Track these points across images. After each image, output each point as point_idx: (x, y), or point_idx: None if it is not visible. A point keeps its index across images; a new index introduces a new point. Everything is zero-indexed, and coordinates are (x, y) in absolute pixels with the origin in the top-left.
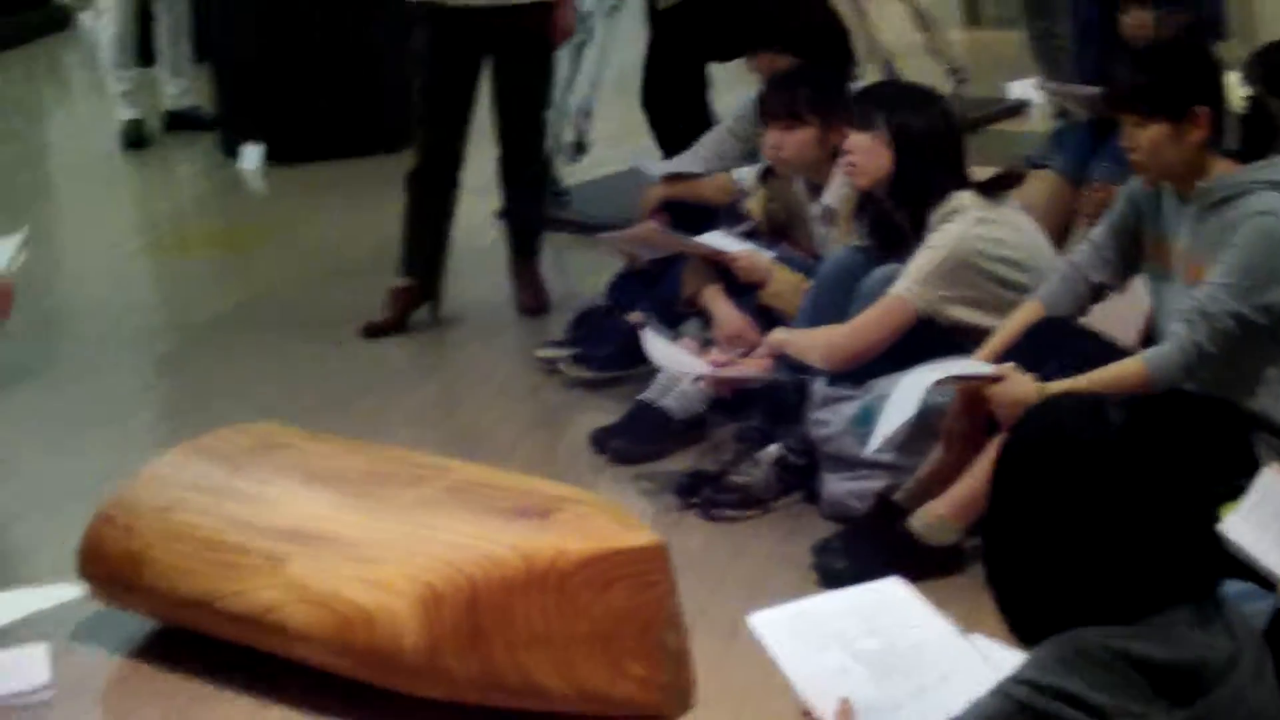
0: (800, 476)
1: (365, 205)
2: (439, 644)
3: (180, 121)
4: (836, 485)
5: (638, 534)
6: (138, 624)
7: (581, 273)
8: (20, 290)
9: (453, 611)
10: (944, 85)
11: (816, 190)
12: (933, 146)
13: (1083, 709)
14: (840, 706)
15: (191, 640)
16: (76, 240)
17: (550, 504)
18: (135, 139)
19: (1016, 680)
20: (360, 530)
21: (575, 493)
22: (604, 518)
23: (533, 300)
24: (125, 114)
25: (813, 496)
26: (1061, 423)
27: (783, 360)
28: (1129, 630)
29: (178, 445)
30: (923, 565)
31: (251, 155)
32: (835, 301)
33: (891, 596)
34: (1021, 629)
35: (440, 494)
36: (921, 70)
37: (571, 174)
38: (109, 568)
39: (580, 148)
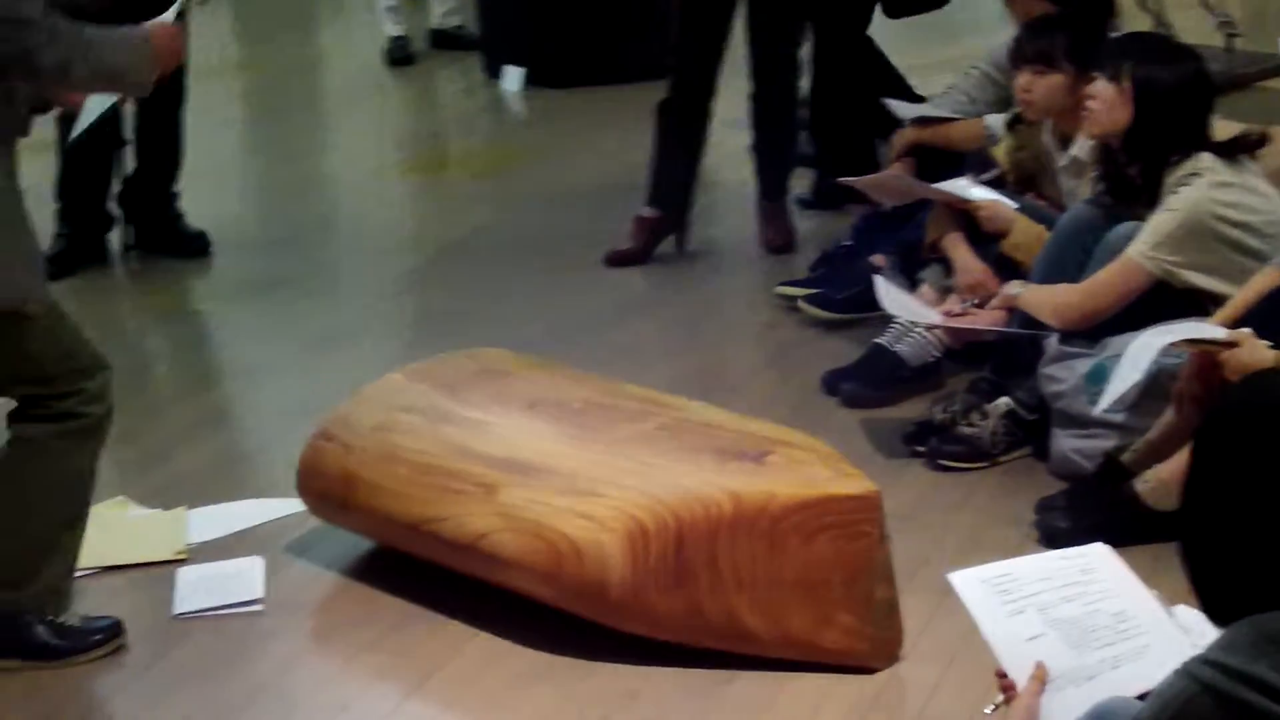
0: (1030, 431)
1: (621, 133)
2: (644, 580)
3: (445, 40)
4: (1065, 442)
5: (852, 482)
6: (352, 542)
7: (831, 212)
8: (280, 199)
9: (659, 549)
10: (1216, 39)
11: (1065, 141)
12: (1175, 104)
13: (1269, 694)
14: (1034, 672)
15: (403, 562)
16: (337, 154)
17: (766, 446)
18: (399, 56)
19: (1202, 661)
20: (574, 462)
21: (794, 436)
22: (819, 464)
23: (778, 238)
24: (390, 30)
25: (1041, 452)
26: (1273, 394)
27: (1017, 313)
28: None
29: (404, 367)
30: (1144, 529)
31: (513, 77)
32: (1071, 256)
33: (1096, 563)
34: (1213, 606)
35: (657, 430)
36: (1195, 23)
37: None
38: (326, 486)
39: None
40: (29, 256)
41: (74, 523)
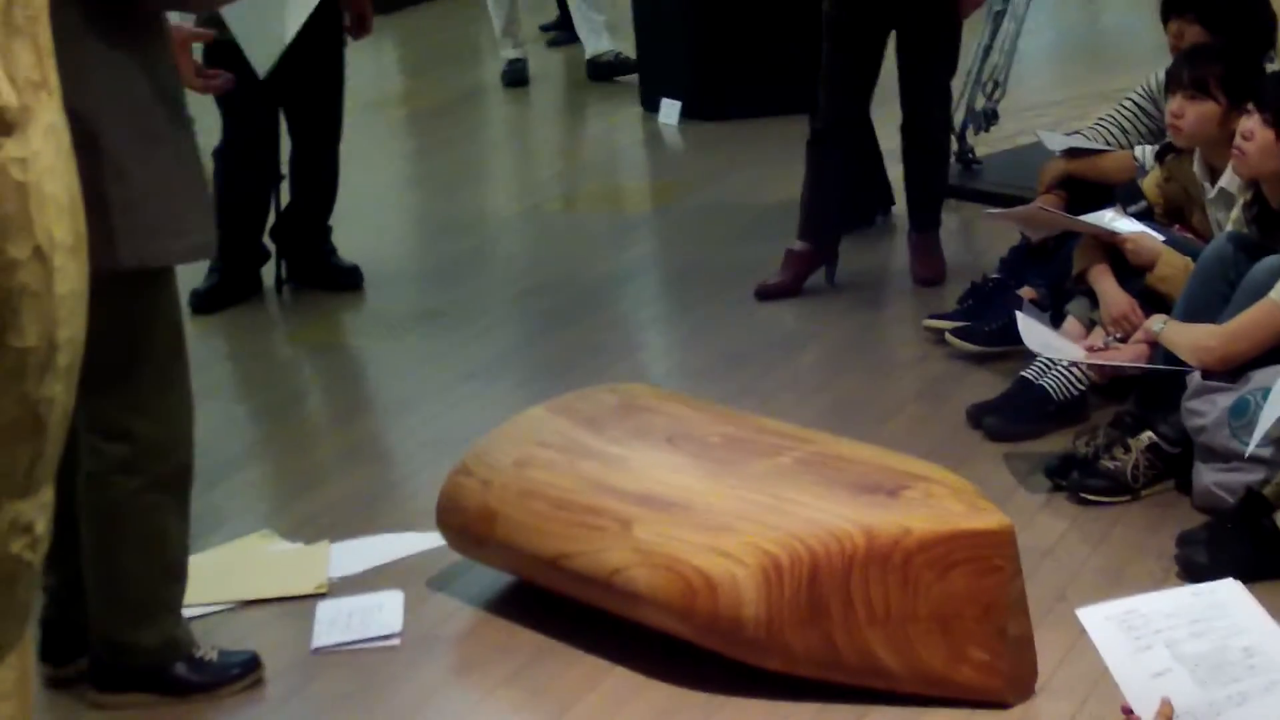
0: (1173, 465)
1: (775, 165)
2: (778, 616)
3: (601, 71)
4: (1208, 476)
5: (986, 516)
6: (491, 577)
7: (984, 245)
8: (434, 233)
9: (793, 584)
10: None
11: (1214, 173)
12: None
13: None
14: (1160, 708)
15: (541, 597)
16: (494, 188)
17: (901, 481)
18: (514, 79)
19: None
20: (710, 497)
21: (930, 470)
22: (953, 498)
23: (928, 270)
24: (508, 53)
25: (1184, 486)
26: None
27: (1159, 348)
28: None
29: (545, 401)
30: None
31: (669, 110)
32: (1214, 290)
33: (1226, 598)
34: None
35: (794, 465)
36: None
37: (984, 144)
38: (464, 520)
39: (991, 117)
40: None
41: (173, 573)
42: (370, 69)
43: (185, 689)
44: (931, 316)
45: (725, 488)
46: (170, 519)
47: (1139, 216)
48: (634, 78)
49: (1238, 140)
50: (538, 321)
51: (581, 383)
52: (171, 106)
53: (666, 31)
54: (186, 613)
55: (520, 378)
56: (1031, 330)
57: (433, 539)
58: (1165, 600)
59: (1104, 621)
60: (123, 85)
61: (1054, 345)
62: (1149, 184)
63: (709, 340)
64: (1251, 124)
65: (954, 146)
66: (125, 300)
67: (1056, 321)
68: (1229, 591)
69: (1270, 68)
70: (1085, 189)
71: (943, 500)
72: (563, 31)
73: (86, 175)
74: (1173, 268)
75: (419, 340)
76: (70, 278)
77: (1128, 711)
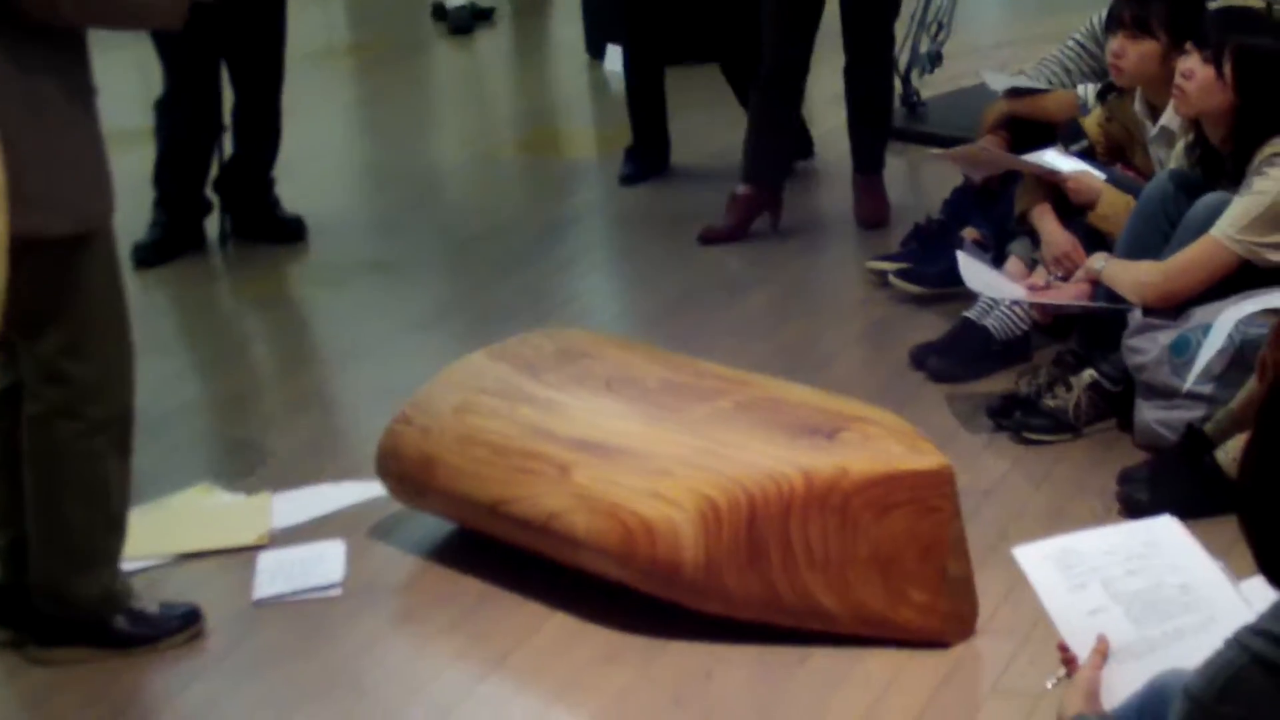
0: (1114, 403)
1: (719, 110)
2: (716, 559)
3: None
4: (1149, 414)
5: (925, 457)
6: (432, 525)
7: (928, 186)
8: (380, 182)
9: (731, 528)
10: None
11: (1155, 111)
12: (1275, 85)
13: None
14: (1096, 645)
15: (482, 543)
16: (439, 137)
17: (840, 423)
18: (459, 25)
19: (1253, 631)
20: (648, 442)
21: (869, 411)
22: (892, 439)
23: (872, 213)
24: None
25: (1126, 424)
26: None
27: (1100, 287)
28: None
29: (485, 348)
30: (1226, 500)
31: (615, 56)
32: (1155, 228)
33: (1162, 536)
34: (1273, 571)
35: (733, 409)
36: None
37: (928, 86)
38: (405, 468)
39: (935, 59)
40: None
41: (113, 523)
42: (314, 18)
43: (125, 642)
44: (875, 259)
45: (664, 432)
46: (111, 467)
47: (1081, 155)
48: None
49: (1178, 79)
50: (482, 269)
51: (524, 329)
52: (67, 77)
53: None
54: (127, 566)
55: (464, 325)
56: (973, 271)
57: (374, 488)
58: (1101, 538)
59: (1040, 560)
60: (12, 54)
61: (996, 285)
62: (1091, 123)
63: (653, 285)
64: (1192, 63)
65: (898, 89)
66: (48, 256)
67: (999, 262)
68: (1166, 529)
69: (1211, 6)
70: (1028, 129)
71: (881, 441)
72: None
73: None
74: (1114, 206)
75: (363, 290)
76: None
77: (1064, 649)
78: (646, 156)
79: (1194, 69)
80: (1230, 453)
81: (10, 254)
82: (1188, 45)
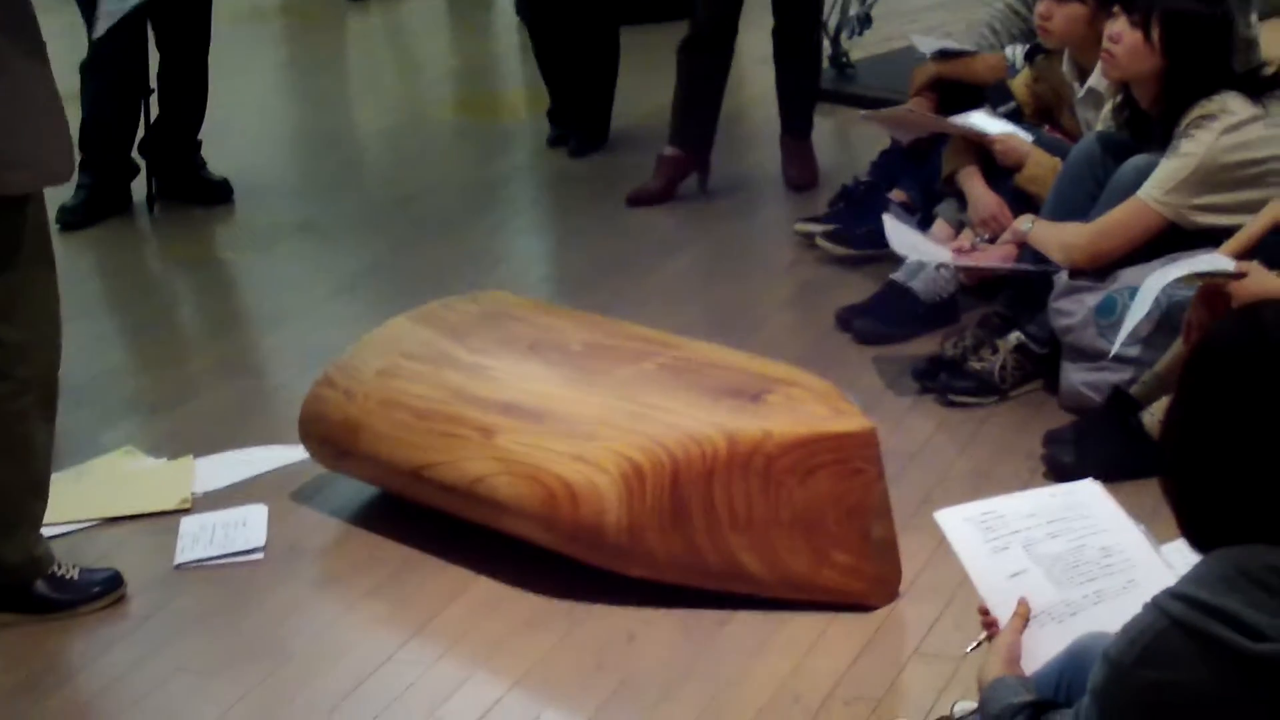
0: (1041, 365)
1: (648, 71)
2: (640, 522)
3: None
4: (1075, 376)
5: (848, 419)
6: (355, 489)
7: (857, 149)
8: (309, 145)
9: (654, 490)
10: None
11: (1083, 73)
12: (1203, 51)
13: (1237, 627)
14: (1017, 608)
15: (405, 508)
16: (369, 99)
17: (764, 385)
18: None
19: (1172, 595)
20: (572, 405)
21: (793, 374)
22: (816, 401)
23: (800, 175)
24: None
25: (1052, 387)
26: (1266, 326)
27: (1027, 249)
28: None
29: (409, 311)
30: (1151, 463)
31: None
32: (1081, 190)
33: (1084, 499)
34: (1194, 534)
35: (656, 371)
36: None
37: (858, 48)
38: (328, 432)
39: (865, 21)
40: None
41: (37, 487)
42: None
43: (46, 607)
44: (803, 220)
45: (588, 395)
46: (36, 428)
47: (1008, 117)
48: None
49: (1106, 43)
50: (410, 232)
51: (451, 292)
52: (21, 34)
53: None
54: (49, 531)
55: (390, 289)
56: (899, 233)
57: (297, 452)
58: (1023, 501)
59: (962, 523)
60: None
61: (922, 248)
62: (1018, 85)
63: (581, 248)
64: (1119, 26)
65: (827, 50)
66: None
67: (926, 223)
68: (1088, 491)
69: None
70: (956, 91)
71: (806, 404)
72: None
73: None
74: (1041, 168)
75: (290, 253)
76: None
77: (985, 613)
78: (565, 118)
79: (1122, 33)
80: (1156, 415)
81: None
82: (1115, 8)
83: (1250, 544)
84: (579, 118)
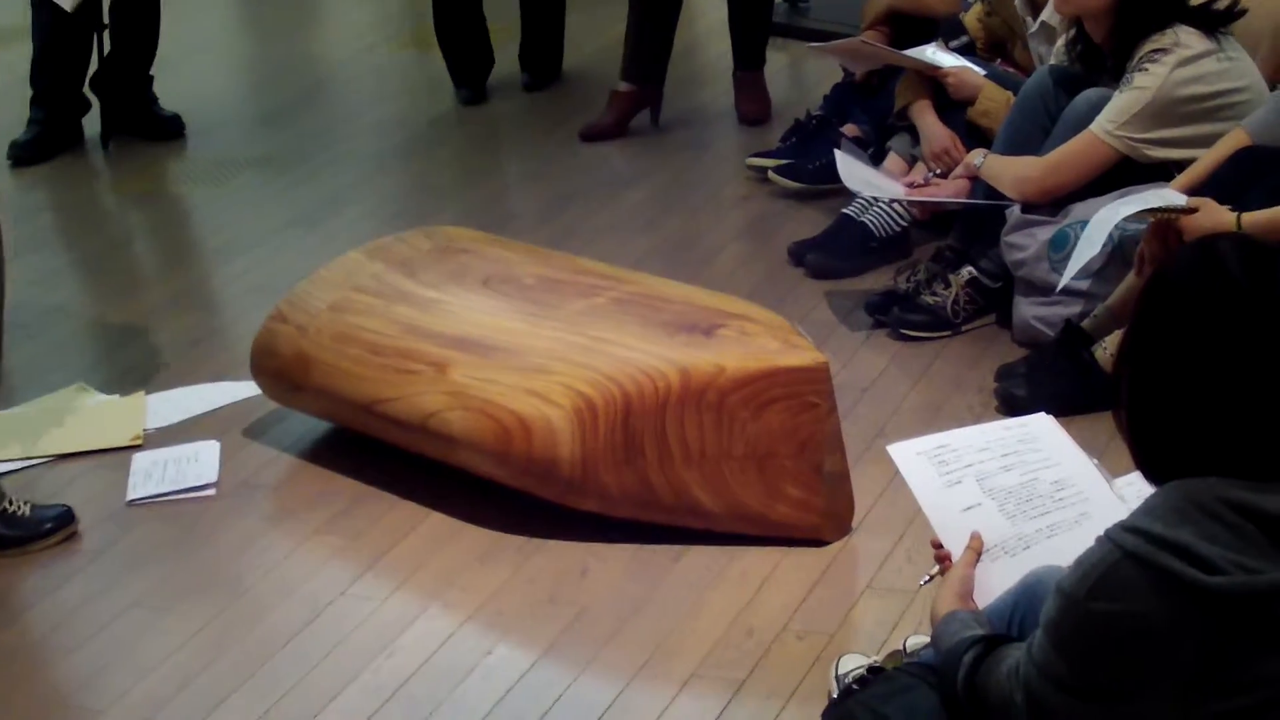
0: (993, 299)
1: (598, 7)
2: (593, 456)
3: None
4: (1027, 310)
5: (800, 353)
6: (308, 424)
7: (810, 83)
8: (260, 79)
9: (607, 424)
10: None
11: (1036, 7)
12: None
13: (1190, 560)
14: (970, 542)
15: (359, 443)
16: (319, 32)
17: (717, 319)
18: None
19: (1124, 528)
20: (524, 339)
21: (746, 308)
22: (768, 335)
23: (753, 109)
24: None
25: (1005, 321)
26: (1220, 259)
27: (980, 183)
28: (1254, 485)
29: (362, 245)
30: (1103, 396)
31: None
32: (1034, 124)
33: (1037, 432)
34: (1150, 468)
35: (609, 305)
36: None
37: None
38: (280, 367)
39: None
40: None
41: None
42: None
43: None
44: (755, 155)
45: (540, 329)
46: None
47: (961, 51)
48: None
49: None
50: (363, 166)
51: (405, 227)
52: None
53: None
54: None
55: (342, 224)
56: (851, 168)
57: (250, 388)
58: (976, 435)
59: (915, 457)
60: None
61: (874, 183)
62: (971, 18)
63: (534, 182)
64: None
65: None
66: None
67: (879, 157)
68: (1040, 425)
69: None
70: (909, 24)
71: (757, 338)
72: None
73: None
74: (994, 102)
75: (244, 187)
76: None
77: (938, 546)
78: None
79: None
80: (1108, 348)
81: None
82: None
83: (1204, 476)
84: (531, 52)
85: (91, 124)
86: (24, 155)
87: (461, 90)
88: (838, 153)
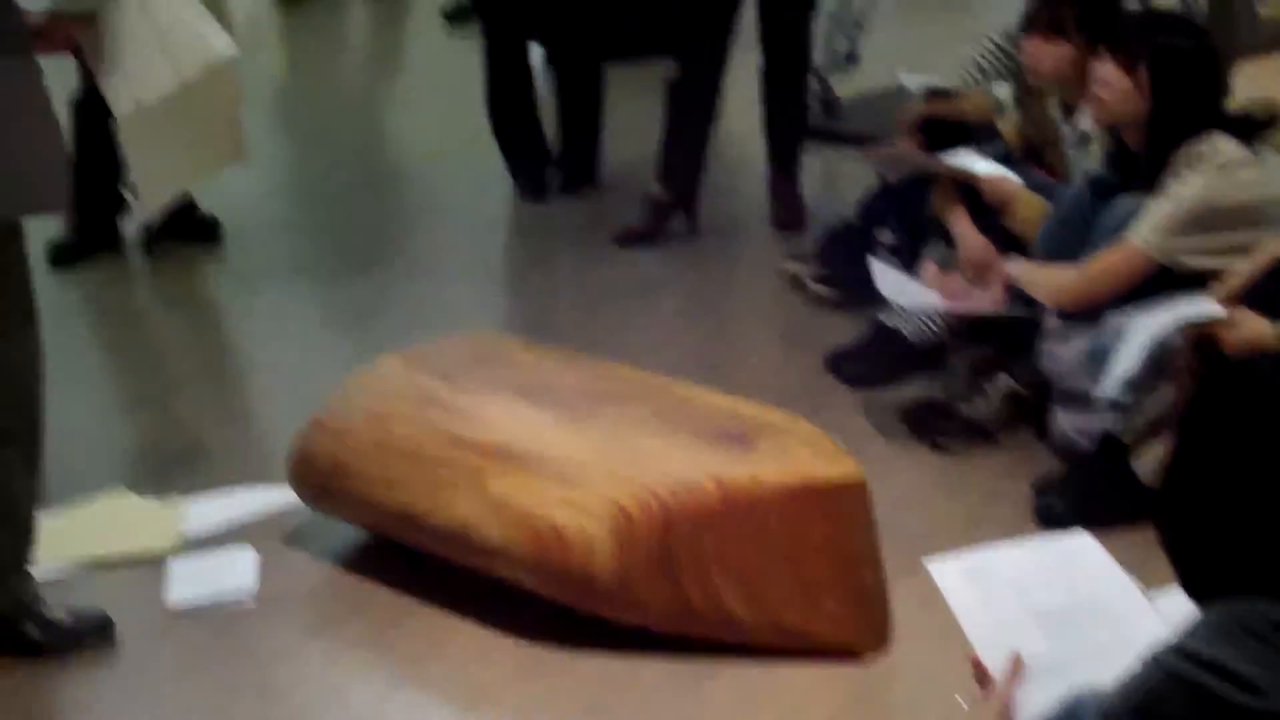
0: (1030, 410)
1: (635, 109)
2: (630, 568)
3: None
4: (1065, 420)
5: (838, 466)
6: (345, 532)
7: (845, 188)
8: (298, 181)
9: (645, 537)
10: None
11: (1071, 113)
12: (1191, 89)
13: (1233, 681)
14: (1010, 662)
15: (394, 551)
16: (356, 137)
17: (755, 430)
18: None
19: (1167, 648)
20: (563, 449)
21: (783, 419)
22: (806, 448)
23: (787, 215)
24: None
25: (1043, 431)
26: (1264, 379)
27: (1016, 291)
28: None
29: (399, 351)
30: (1143, 509)
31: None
32: (1071, 232)
33: (1077, 549)
34: (1192, 586)
35: (647, 414)
36: None
37: (845, 86)
38: (318, 474)
39: (852, 59)
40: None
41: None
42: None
43: (36, 650)
44: (789, 260)
45: (577, 438)
46: (16, 475)
47: (997, 157)
48: None
49: (1095, 87)
50: (400, 270)
51: (440, 331)
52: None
53: None
54: (37, 572)
55: (380, 328)
56: (887, 277)
57: (288, 494)
58: (1015, 551)
59: (954, 573)
60: None
61: (910, 292)
62: (1006, 125)
63: (569, 287)
64: (1107, 70)
65: (814, 89)
66: None
67: (914, 263)
68: (1079, 541)
69: (1125, 7)
70: (944, 130)
71: (796, 449)
72: None
73: None
74: (1030, 209)
75: (282, 290)
76: None
77: (977, 665)
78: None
79: (1109, 76)
80: (1147, 460)
81: None
82: (1102, 49)
83: (1249, 596)
84: (567, 155)
85: (130, 225)
86: (63, 255)
87: (522, 186)
88: (874, 262)
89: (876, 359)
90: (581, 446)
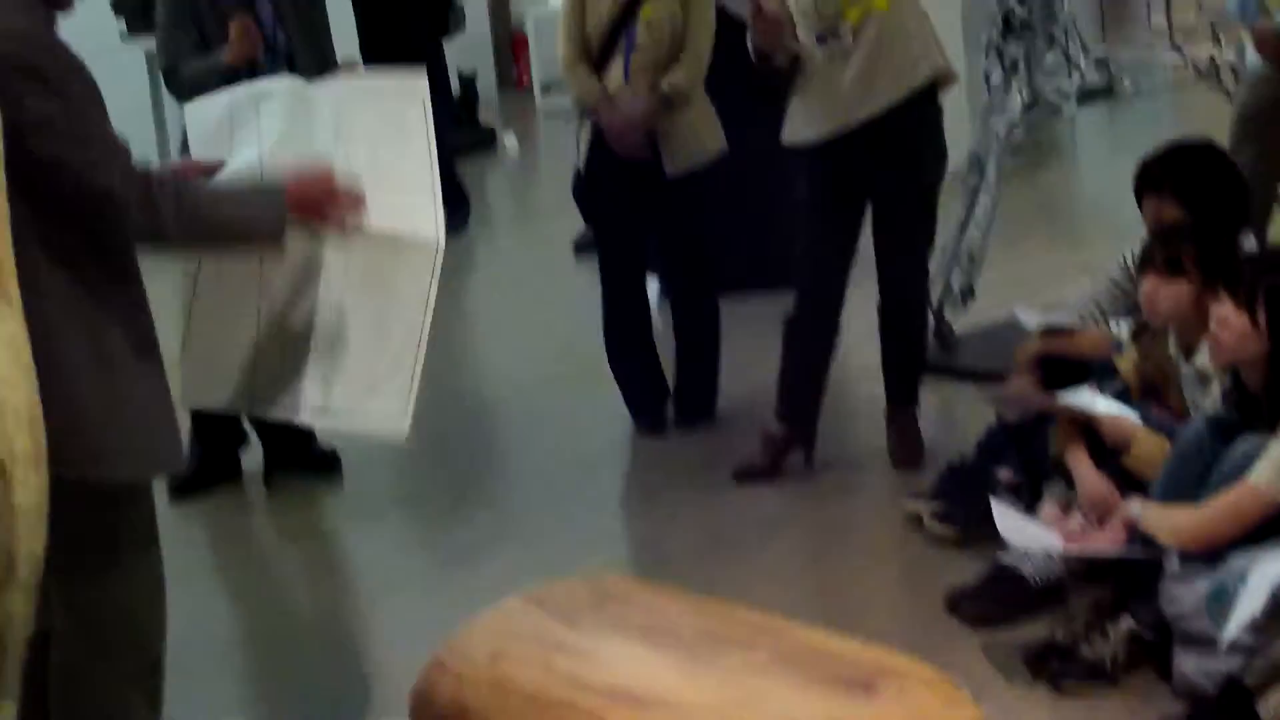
0: (1153, 651)
1: (753, 344)
2: None
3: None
4: (1187, 662)
5: (960, 711)
6: None
7: (964, 424)
8: (416, 415)
9: None
10: None
11: (1189, 351)
12: None
13: None
14: None
15: None
16: (474, 367)
17: (875, 675)
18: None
19: None
20: (684, 694)
21: (903, 663)
22: (927, 692)
23: (906, 451)
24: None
25: (1165, 673)
26: None
27: (1137, 531)
28: None
29: (521, 592)
30: None
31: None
32: (1191, 472)
33: None
34: None
35: (767, 659)
36: None
37: (961, 320)
38: (438, 715)
39: (968, 293)
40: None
41: None
42: None
43: None
44: (909, 498)
45: (699, 684)
46: (138, 712)
47: (1115, 395)
48: None
49: (1214, 327)
50: (516, 506)
51: (558, 569)
52: (132, 329)
53: None
54: None
55: (498, 564)
56: (1007, 519)
57: None
58: None
59: None
60: (81, 306)
61: (1030, 533)
62: (1125, 362)
63: (686, 524)
64: (1226, 310)
65: (930, 323)
66: (98, 499)
67: (1034, 502)
68: None
69: (1245, 246)
70: (1062, 368)
71: (916, 694)
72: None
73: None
74: (1149, 448)
75: (398, 525)
76: (31, 490)
77: None
78: (640, 394)
79: (1228, 317)
80: (1272, 704)
81: (62, 499)
82: (1220, 289)
83: None
84: (684, 390)
85: (249, 457)
86: (184, 487)
87: (641, 420)
88: (994, 503)
89: (997, 599)
90: (703, 691)
